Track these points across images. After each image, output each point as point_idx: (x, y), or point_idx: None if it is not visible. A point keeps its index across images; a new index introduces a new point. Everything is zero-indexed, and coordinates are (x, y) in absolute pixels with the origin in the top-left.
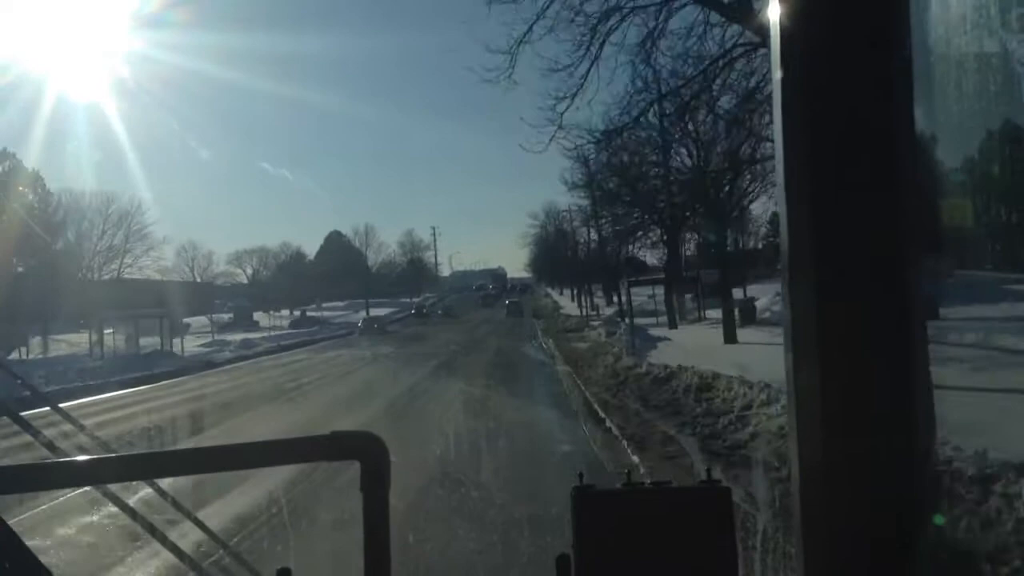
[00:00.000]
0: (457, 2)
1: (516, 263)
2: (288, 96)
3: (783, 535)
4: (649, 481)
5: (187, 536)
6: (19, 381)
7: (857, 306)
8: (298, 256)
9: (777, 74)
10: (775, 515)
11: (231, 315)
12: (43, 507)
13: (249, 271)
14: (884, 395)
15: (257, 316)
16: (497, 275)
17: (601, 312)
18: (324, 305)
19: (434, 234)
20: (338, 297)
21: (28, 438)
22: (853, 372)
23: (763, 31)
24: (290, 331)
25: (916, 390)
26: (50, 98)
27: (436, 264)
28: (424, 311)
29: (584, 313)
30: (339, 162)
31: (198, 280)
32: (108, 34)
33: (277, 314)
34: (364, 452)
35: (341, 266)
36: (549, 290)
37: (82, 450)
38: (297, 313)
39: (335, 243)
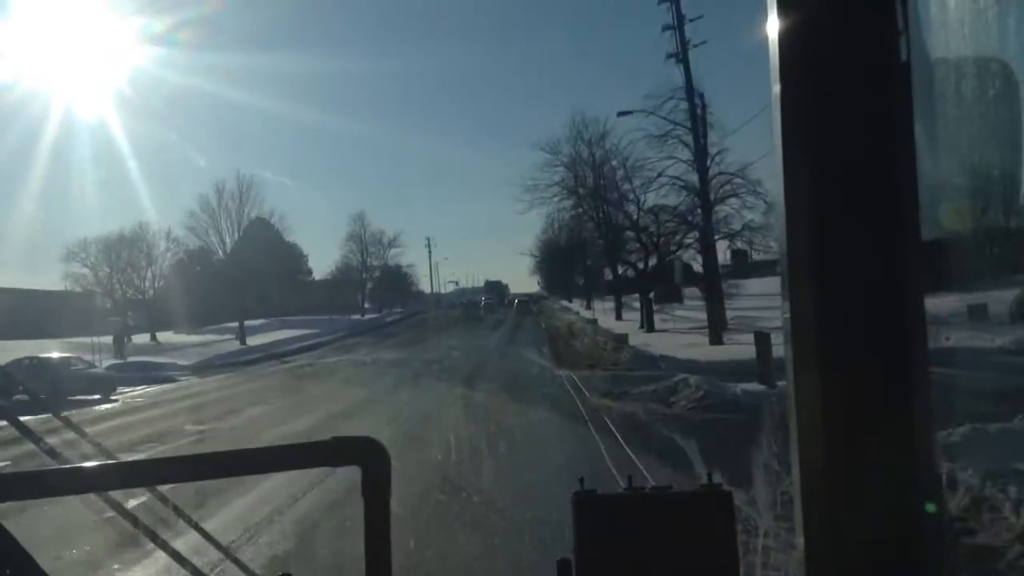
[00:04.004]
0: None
1: (519, 281)
2: (286, 112)
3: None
4: (650, 486)
5: (188, 542)
6: (20, 388)
7: (857, 309)
8: (201, 254)
9: (776, 88)
10: None
11: None
12: (42, 513)
13: (105, 271)
14: (885, 397)
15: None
16: (494, 287)
17: None
18: (228, 325)
19: (429, 246)
20: (259, 311)
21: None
22: (854, 375)
23: None
24: None
25: (917, 392)
26: (56, 115)
27: (431, 279)
28: None
29: None
30: (336, 176)
31: None
32: (114, 53)
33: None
34: (365, 458)
35: (273, 268)
36: (567, 302)
37: (82, 456)
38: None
39: (260, 236)
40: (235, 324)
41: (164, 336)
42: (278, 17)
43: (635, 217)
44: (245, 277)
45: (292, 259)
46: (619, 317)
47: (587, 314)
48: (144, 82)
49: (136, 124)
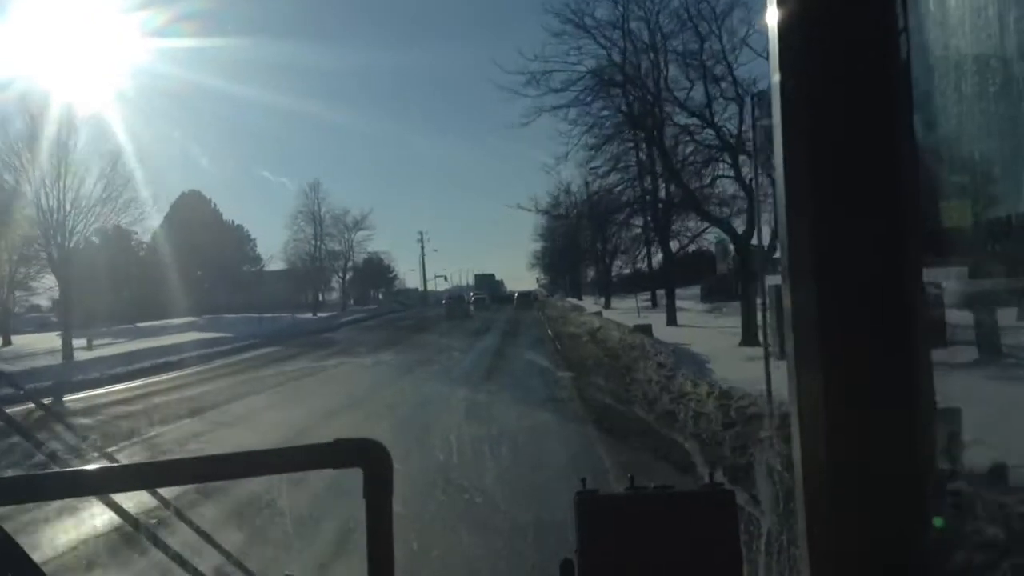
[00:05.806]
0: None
1: (516, 277)
2: (284, 106)
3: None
4: (652, 485)
5: (189, 545)
6: (21, 391)
7: (858, 309)
8: (116, 236)
9: (775, 77)
10: None
11: None
12: (42, 515)
13: None
14: (887, 398)
15: None
16: (485, 281)
17: None
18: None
19: (421, 240)
20: (190, 307)
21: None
22: (855, 375)
23: None
24: None
25: (918, 393)
26: (55, 110)
27: (423, 275)
28: None
29: None
30: (335, 172)
31: None
32: (115, 47)
33: None
34: (367, 460)
35: (209, 254)
36: (576, 300)
37: (81, 458)
38: None
39: (191, 214)
40: (162, 322)
41: (30, 340)
42: (264, 11)
43: (740, 131)
44: (160, 264)
45: (234, 243)
46: (673, 321)
47: (615, 316)
48: (141, 79)
49: (133, 119)
